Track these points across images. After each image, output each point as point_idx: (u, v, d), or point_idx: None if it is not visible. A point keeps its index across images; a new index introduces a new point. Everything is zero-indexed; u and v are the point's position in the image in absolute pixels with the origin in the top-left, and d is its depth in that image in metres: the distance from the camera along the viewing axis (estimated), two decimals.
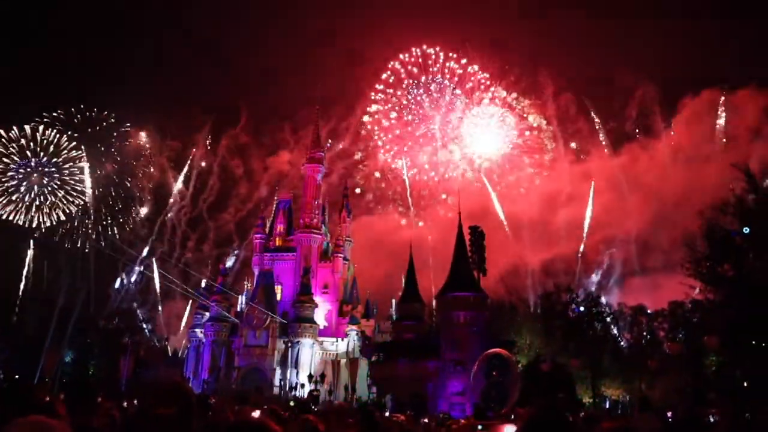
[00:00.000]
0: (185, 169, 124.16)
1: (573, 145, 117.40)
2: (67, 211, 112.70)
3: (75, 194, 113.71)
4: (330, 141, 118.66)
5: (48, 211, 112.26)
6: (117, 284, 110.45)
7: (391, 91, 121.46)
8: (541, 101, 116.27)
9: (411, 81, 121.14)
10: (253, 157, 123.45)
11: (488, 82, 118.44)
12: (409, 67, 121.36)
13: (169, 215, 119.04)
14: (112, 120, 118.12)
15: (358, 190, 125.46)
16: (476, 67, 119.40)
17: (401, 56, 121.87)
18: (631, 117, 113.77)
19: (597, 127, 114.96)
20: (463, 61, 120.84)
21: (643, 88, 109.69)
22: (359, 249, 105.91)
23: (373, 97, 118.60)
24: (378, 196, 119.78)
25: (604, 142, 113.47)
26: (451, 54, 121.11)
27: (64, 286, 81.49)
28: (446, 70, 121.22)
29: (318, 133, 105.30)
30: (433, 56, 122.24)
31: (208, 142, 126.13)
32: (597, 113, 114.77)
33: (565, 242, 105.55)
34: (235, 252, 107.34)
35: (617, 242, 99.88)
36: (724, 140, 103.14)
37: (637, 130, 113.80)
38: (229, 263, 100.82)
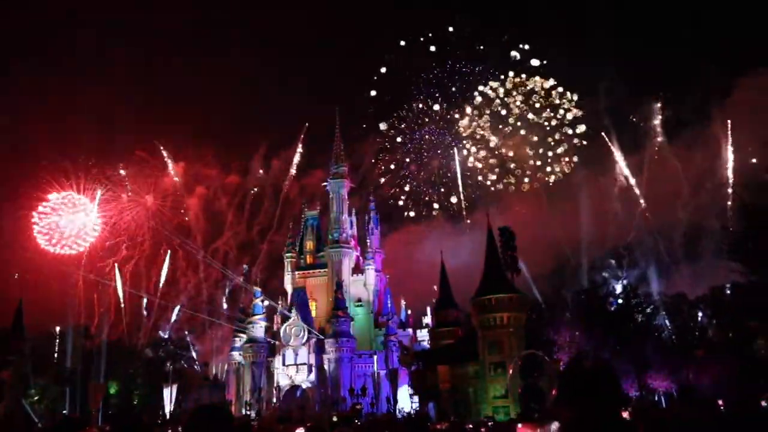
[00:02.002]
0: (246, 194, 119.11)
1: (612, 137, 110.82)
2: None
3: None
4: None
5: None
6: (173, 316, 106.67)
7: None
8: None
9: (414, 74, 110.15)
10: (307, 177, 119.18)
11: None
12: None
13: (220, 242, 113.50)
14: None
15: (400, 202, 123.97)
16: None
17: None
18: (685, 103, 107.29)
19: (654, 112, 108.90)
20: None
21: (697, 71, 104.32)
22: (396, 259, 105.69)
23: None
24: (412, 206, 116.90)
25: (658, 130, 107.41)
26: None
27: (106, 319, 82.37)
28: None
29: (340, 147, 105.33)
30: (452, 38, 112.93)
31: (260, 167, 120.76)
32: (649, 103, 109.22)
33: (614, 236, 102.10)
34: (245, 270, 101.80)
35: (664, 232, 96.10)
36: None
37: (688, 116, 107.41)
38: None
